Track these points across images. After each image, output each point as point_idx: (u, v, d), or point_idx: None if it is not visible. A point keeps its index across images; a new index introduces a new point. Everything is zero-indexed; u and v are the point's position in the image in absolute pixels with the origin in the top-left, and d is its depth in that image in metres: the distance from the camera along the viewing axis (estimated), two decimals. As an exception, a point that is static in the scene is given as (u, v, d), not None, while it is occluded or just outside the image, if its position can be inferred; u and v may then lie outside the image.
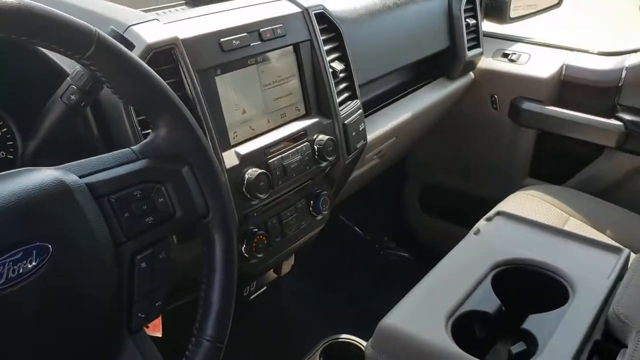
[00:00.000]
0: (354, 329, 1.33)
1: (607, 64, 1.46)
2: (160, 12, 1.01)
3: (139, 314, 0.55)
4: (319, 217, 1.06)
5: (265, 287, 1.15)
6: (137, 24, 0.76)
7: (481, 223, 0.92)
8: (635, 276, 0.77)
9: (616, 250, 0.84)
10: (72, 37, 0.49)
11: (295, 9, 0.99)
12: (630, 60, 1.44)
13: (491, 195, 1.54)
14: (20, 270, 0.45)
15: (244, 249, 0.91)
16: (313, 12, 1.01)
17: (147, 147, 0.57)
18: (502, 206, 1.38)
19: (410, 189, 1.88)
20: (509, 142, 1.64)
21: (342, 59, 1.07)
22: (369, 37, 1.22)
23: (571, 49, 1.55)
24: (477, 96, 1.64)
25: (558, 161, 1.59)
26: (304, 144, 0.96)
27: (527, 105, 1.56)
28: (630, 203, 1.41)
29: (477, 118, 1.67)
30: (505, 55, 1.62)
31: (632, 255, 0.85)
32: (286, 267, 1.17)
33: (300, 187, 1.00)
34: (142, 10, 0.93)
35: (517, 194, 1.44)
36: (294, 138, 0.95)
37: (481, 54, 1.57)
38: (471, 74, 1.60)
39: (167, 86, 0.58)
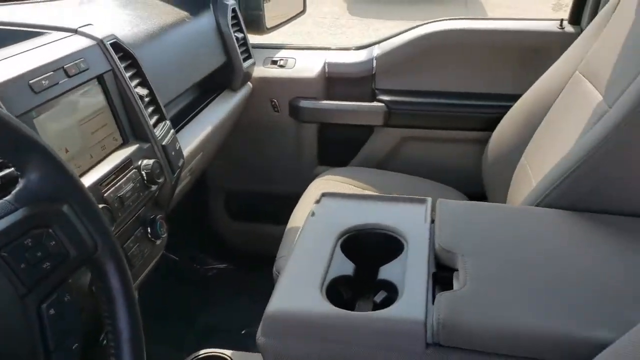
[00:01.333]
0: (205, 345, 1.35)
1: (361, 56, 1.71)
2: None
3: None
4: (159, 242, 1.06)
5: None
6: (-62, 76, 0.70)
7: (313, 206, 1.03)
8: (442, 215, 0.97)
9: (422, 201, 1.03)
10: None
11: (91, 42, 0.98)
12: (376, 50, 1.71)
13: (290, 189, 1.68)
14: None
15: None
16: (108, 43, 1.01)
17: (22, 195, 0.54)
18: (308, 194, 1.53)
19: (215, 200, 1.94)
20: (295, 138, 1.80)
21: (144, 84, 1.09)
22: (158, 60, 1.24)
23: (329, 49, 1.77)
24: (258, 103, 1.76)
25: (340, 146, 1.80)
26: (132, 171, 0.96)
27: (303, 104, 1.73)
28: (402, 167, 1.68)
29: (263, 123, 1.79)
30: (274, 62, 1.78)
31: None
32: (133, 301, 1.14)
33: (136, 216, 1.00)
34: None
35: (315, 181, 1.61)
36: (121, 168, 0.95)
37: (254, 64, 1.70)
38: (249, 84, 1.72)
39: (29, 128, 0.56)
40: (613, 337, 0.61)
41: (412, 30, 1.69)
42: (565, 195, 1.03)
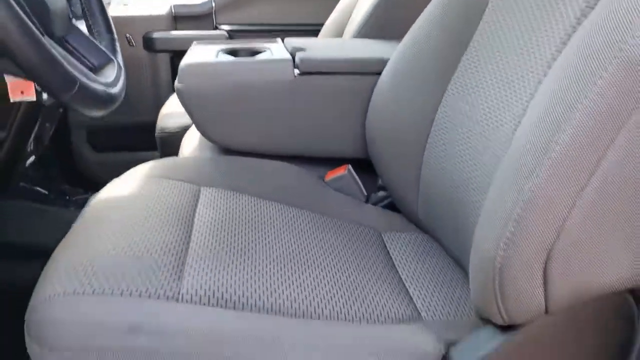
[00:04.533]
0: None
1: None
2: None
3: None
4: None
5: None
6: None
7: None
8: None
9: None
10: None
11: None
12: (214, -9, 2.11)
13: (149, 118, 1.95)
14: None
15: None
16: None
17: None
18: (165, 113, 1.82)
19: (78, 136, 2.11)
20: (151, 69, 2.08)
21: None
22: None
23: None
24: (115, 39, 2.03)
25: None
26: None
27: (156, 35, 2.04)
28: None
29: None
30: (125, 5, 2.07)
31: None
32: None
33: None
34: None
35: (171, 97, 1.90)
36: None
37: (109, 3, 1.97)
38: (105, 20, 1.98)
39: None
40: None
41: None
42: (373, 28, 1.49)
